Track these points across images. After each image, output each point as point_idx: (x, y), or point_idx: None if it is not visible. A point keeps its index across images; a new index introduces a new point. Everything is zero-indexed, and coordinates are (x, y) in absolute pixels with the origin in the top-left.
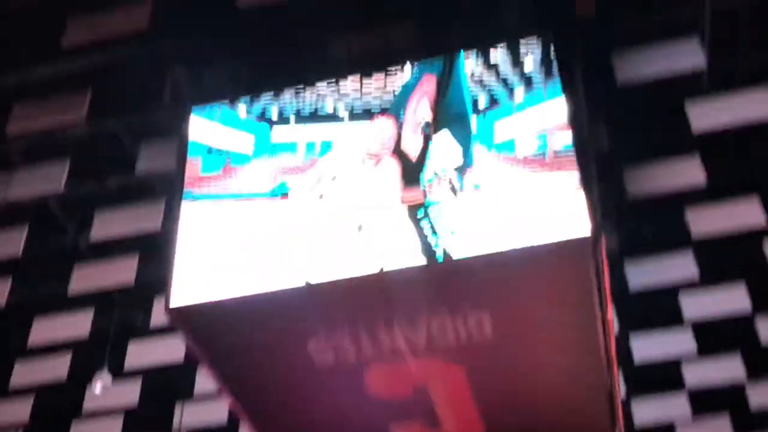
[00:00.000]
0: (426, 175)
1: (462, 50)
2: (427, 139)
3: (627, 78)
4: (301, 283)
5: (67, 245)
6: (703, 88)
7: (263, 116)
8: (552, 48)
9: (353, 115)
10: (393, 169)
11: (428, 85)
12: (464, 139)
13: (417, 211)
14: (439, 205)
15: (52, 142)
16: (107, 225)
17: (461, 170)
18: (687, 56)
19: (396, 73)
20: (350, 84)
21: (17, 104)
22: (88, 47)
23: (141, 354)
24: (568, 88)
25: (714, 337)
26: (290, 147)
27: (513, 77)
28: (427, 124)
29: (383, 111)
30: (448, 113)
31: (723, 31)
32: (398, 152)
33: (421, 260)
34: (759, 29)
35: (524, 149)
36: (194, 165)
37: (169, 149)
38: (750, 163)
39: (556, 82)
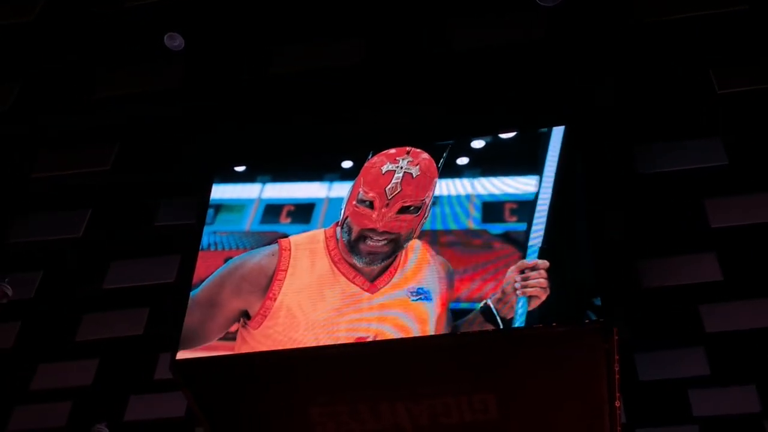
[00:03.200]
0: None
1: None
2: None
3: (646, 169)
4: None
5: (79, 292)
6: (723, 185)
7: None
8: (575, 136)
9: None
10: None
11: None
12: None
13: None
14: None
15: (75, 190)
16: (121, 275)
17: None
18: (709, 153)
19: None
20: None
21: (45, 150)
22: (119, 101)
23: (141, 408)
24: (587, 176)
25: None
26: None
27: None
28: None
29: None
30: None
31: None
32: None
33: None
34: None
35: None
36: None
37: (190, 206)
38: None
39: (579, 171)
